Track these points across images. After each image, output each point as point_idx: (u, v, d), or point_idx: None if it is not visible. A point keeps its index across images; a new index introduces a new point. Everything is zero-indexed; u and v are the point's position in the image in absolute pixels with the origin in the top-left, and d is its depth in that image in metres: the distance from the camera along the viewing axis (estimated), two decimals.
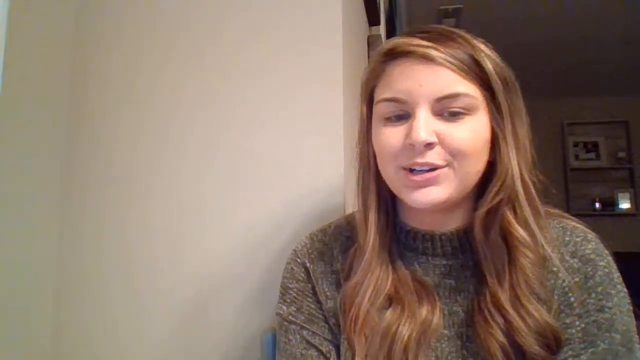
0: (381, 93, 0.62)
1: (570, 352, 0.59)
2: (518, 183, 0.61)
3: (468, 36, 0.62)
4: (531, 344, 0.57)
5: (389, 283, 0.63)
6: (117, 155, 1.00)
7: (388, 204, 0.67)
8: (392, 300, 0.63)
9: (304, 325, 0.68)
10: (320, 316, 0.69)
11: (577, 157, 4.82)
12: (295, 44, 0.96)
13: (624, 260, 0.69)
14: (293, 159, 0.93)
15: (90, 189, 0.99)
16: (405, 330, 0.60)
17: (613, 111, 4.74)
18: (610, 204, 4.65)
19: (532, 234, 0.61)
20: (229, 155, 0.95)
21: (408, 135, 0.58)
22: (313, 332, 0.68)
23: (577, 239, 0.63)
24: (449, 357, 0.61)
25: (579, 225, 0.66)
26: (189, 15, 1.01)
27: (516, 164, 0.61)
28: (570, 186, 4.67)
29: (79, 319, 0.96)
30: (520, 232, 0.60)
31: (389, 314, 0.62)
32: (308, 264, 0.71)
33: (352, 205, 0.95)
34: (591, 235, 0.65)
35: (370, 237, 0.64)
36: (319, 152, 0.92)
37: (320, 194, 0.91)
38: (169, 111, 0.99)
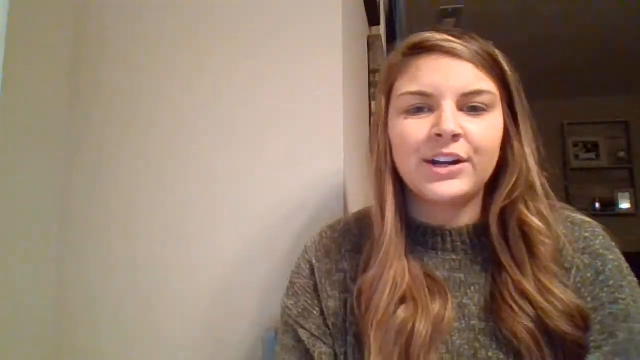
0: (405, 86, 0.62)
1: (592, 344, 0.59)
2: (533, 176, 0.62)
3: (480, 39, 0.63)
4: (562, 324, 0.57)
5: (406, 278, 0.62)
6: (119, 155, 1.00)
7: (400, 198, 0.66)
8: (405, 295, 0.61)
9: (297, 319, 0.69)
10: (315, 313, 0.68)
11: (577, 157, 4.82)
12: (296, 47, 0.96)
13: None
14: (294, 160, 0.93)
15: (92, 190, 0.99)
16: (422, 327, 0.59)
17: (613, 111, 4.74)
18: (610, 204, 4.64)
19: (547, 224, 0.62)
20: (232, 158, 0.96)
21: (435, 126, 0.59)
22: (302, 327, 0.68)
23: (586, 234, 0.64)
24: (460, 350, 0.60)
25: (586, 219, 0.66)
26: (191, 22, 1.01)
27: (531, 159, 0.63)
28: (570, 186, 4.67)
29: (82, 320, 0.96)
30: (536, 221, 0.61)
31: (402, 310, 0.60)
32: (314, 262, 0.71)
33: (352, 207, 0.95)
34: (598, 229, 0.66)
35: (387, 231, 0.63)
36: (320, 154, 0.93)
37: (320, 196, 0.91)
38: (172, 113, 0.99)
